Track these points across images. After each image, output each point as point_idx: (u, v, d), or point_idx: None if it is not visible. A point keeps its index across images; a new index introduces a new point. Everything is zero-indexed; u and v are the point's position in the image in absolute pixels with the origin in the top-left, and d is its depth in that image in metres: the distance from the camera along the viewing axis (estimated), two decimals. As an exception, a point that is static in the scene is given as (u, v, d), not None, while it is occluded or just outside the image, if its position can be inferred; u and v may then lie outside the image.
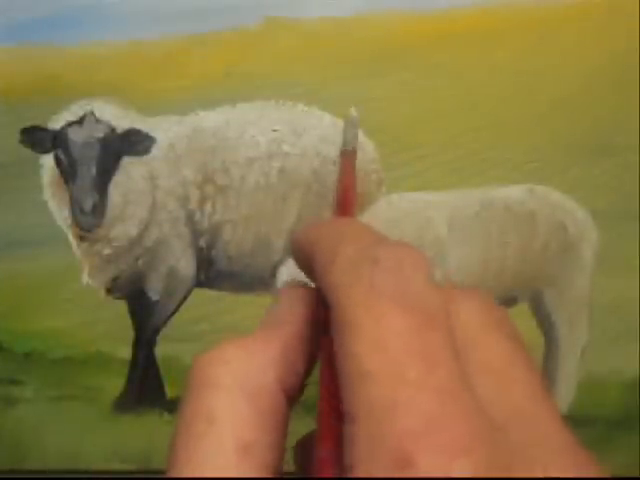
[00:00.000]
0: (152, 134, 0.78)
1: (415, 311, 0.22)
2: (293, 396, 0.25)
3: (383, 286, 0.22)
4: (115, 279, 0.81)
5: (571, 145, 0.78)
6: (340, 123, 0.82)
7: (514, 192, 0.81)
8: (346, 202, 0.29)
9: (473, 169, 0.79)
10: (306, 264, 0.26)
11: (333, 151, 0.81)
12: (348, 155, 0.31)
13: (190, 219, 0.80)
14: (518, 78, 0.78)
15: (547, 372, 0.80)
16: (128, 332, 0.81)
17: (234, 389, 0.24)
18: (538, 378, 0.23)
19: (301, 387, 0.25)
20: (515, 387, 0.22)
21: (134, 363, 0.81)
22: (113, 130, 0.78)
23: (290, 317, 0.26)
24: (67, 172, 0.78)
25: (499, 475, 0.19)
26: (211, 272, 0.82)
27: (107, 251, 0.79)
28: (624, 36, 0.76)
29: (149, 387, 0.81)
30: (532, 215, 0.81)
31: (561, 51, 0.78)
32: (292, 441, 0.27)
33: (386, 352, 0.21)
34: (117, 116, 0.78)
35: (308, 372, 0.25)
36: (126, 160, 0.78)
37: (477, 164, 0.79)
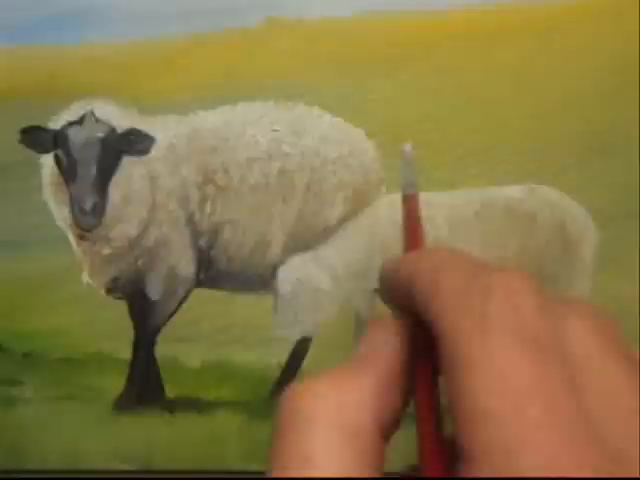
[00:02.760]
0: (152, 134, 0.78)
1: (530, 344, 0.21)
2: (389, 432, 0.24)
3: (495, 317, 0.21)
4: (115, 279, 0.81)
5: (571, 145, 0.78)
6: (340, 123, 0.82)
7: (514, 192, 0.81)
8: (417, 241, 0.29)
9: (473, 169, 0.79)
10: (400, 295, 0.25)
11: (333, 151, 0.81)
12: (410, 198, 0.30)
13: (190, 219, 0.80)
14: (518, 78, 0.78)
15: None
16: (128, 332, 0.81)
17: (330, 427, 0.23)
18: None
19: (397, 423, 0.24)
20: (632, 418, 0.21)
21: (134, 363, 0.81)
22: (113, 130, 0.78)
23: (382, 352, 0.25)
24: (67, 172, 0.77)
25: None
26: (211, 272, 0.82)
27: (107, 251, 0.79)
28: (624, 37, 0.76)
29: (149, 387, 0.81)
30: (532, 215, 0.81)
31: (561, 51, 0.78)
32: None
33: (503, 390, 0.20)
34: (117, 116, 0.78)
35: (404, 407, 0.24)
36: (126, 160, 0.78)
37: (477, 164, 0.79)
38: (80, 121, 0.78)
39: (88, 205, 0.77)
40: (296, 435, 0.23)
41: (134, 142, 0.78)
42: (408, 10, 0.77)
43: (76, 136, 0.77)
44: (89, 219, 0.77)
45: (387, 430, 0.24)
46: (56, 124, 0.78)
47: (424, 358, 0.24)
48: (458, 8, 0.77)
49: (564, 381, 0.20)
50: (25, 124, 0.78)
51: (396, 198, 0.90)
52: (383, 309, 0.91)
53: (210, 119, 0.80)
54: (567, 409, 0.20)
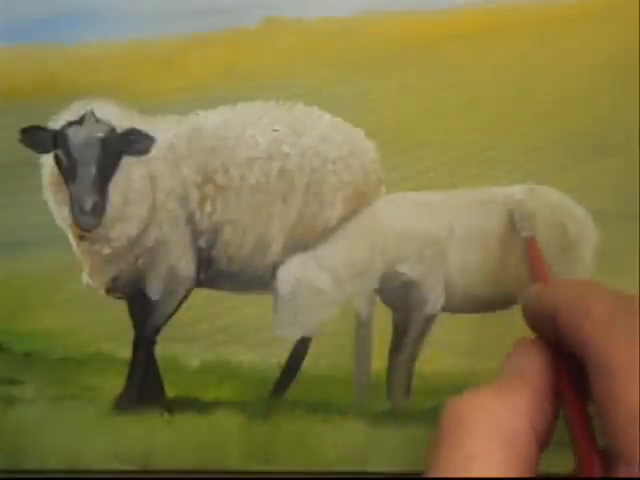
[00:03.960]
0: (152, 134, 0.78)
1: None
2: (543, 442, 0.27)
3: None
4: (115, 279, 0.81)
5: (571, 145, 0.78)
6: (340, 123, 0.82)
7: (514, 192, 0.81)
8: (544, 275, 0.33)
9: (473, 169, 0.79)
10: (543, 321, 0.28)
11: (333, 151, 0.81)
12: (531, 240, 0.35)
13: (190, 219, 0.80)
14: (518, 78, 0.78)
15: (547, 372, 0.80)
16: (128, 332, 0.81)
17: (490, 432, 0.25)
18: None
19: (550, 434, 0.27)
20: None
21: (134, 363, 0.81)
22: (113, 130, 0.78)
23: (533, 369, 0.28)
24: (67, 172, 0.78)
25: None
26: (211, 272, 0.82)
27: (107, 251, 0.79)
28: (624, 36, 0.76)
29: (149, 387, 0.81)
30: (532, 215, 0.81)
31: (561, 51, 0.78)
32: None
33: None
34: (117, 116, 0.78)
35: (554, 421, 0.27)
36: (126, 160, 0.78)
37: (477, 164, 0.79)
38: (80, 121, 0.78)
39: (88, 205, 0.77)
40: (459, 440, 0.25)
41: (134, 142, 0.78)
42: (408, 9, 0.77)
43: (76, 136, 0.77)
44: (89, 219, 0.77)
45: (542, 440, 0.27)
46: (56, 124, 0.78)
47: (570, 376, 0.27)
48: (458, 7, 0.77)
49: None
50: (25, 124, 0.78)
51: (396, 198, 0.91)
52: (383, 309, 0.91)
53: (210, 119, 0.80)
54: None
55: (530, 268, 0.34)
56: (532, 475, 0.26)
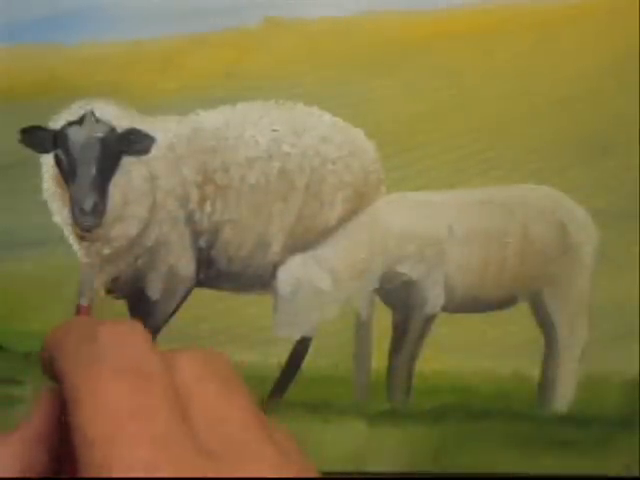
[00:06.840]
0: (152, 134, 0.78)
1: (130, 374, 0.23)
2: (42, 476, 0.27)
3: (101, 359, 0.24)
4: (115, 279, 0.81)
5: (571, 145, 0.78)
6: (340, 123, 0.82)
7: (514, 192, 0.81)
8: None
9: (473, 169, 0.79)
10: (46, 360, 0.28)
11: (333, 151, 0.81)
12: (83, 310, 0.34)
13: (190, 219, 0.80)
14: (518, 78, 0.78)
15: (547, 372, 0.80)
16: (128, 332, 0.81)
17: None
18: (251, 412, 0.25)
19: (54, 472, 0.27)
20: (229, 422, 0.24)
21: (134, 363, 0.81)
22: (113, 130, 0.78)
23: (32, 416, 0.28)
24: (67, 172, 0.77)
25: None
26: (211, 272, 0.82)
27: (107, 251, 0.79)
28: (624, 36, 0.76)
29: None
30: (532, 215, 0.81)
31: (561, 51, 0.78)
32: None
33: (104, 417, 0.22)
34: (117, 116, 0.78)
35: (51, 459, 0.27)
36: (126, 160, 0.78)
37: (477, 164, 0.79)
38: (80, 121, 0.77)
39: (88, 205, 0.77)
40: None
41: (134, 142, 0.78)
42: (408, 9, 0.78)
43: (76, 136, 0.77)
44: (89, 219, 0.77)
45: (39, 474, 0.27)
46: (56, 124, 0.78)
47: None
48: (457, 7, 0.77)
49: (162, 401, 0.23)
50: (25, 124, 0.78)
51: (396, 198, 0.91)
52: (383, 309, 0.91)
53: (210, 119, 0.80)
54: (161, 423, 0.22)
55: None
56: None
